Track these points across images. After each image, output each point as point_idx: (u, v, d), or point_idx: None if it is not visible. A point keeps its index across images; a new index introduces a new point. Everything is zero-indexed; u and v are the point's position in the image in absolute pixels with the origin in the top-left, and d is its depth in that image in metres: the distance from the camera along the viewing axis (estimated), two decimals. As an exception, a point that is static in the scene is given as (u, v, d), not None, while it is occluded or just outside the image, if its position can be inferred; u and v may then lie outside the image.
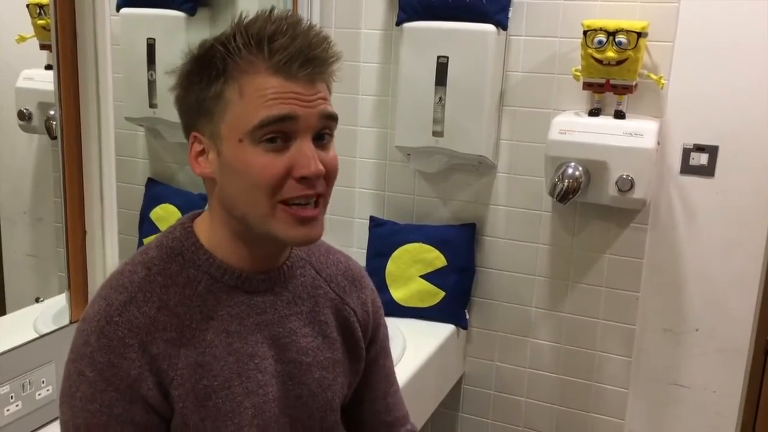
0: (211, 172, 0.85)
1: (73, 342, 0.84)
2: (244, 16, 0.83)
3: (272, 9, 0.83)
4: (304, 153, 0.81)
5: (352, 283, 1.01)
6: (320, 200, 0.84)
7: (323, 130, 0.84)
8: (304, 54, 0.81)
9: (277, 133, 0.81)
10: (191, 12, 2.00)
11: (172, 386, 0.83)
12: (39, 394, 1.31)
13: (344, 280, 1.00)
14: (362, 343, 0.99)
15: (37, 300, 1.45)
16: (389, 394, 1.05)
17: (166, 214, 2.12)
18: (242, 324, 0.88)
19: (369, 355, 1.02)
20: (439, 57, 1.93)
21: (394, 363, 1.76)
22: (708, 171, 1.82)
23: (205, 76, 0.83)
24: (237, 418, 0.85)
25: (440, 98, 1.95)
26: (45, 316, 1.45)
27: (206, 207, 0.92)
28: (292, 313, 0.92)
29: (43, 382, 1.32)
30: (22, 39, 1.62)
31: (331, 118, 0.84)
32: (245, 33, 0.81)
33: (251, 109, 0.81)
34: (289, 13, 0.84)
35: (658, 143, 1.80)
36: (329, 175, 0.85)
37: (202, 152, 0.86)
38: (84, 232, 1.38)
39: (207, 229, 0.89)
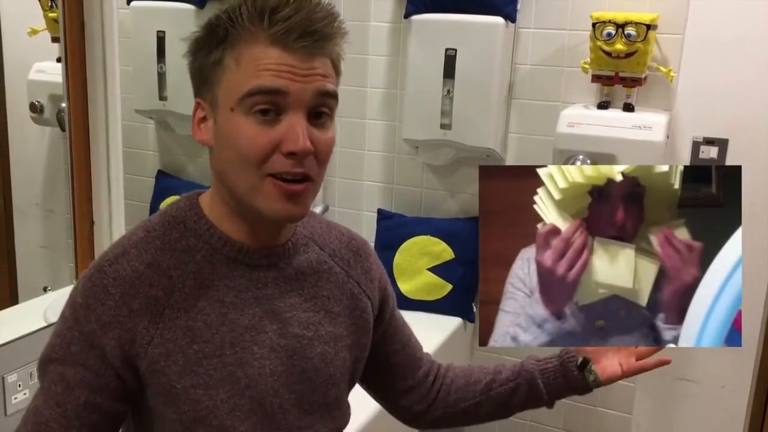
0: (209, 140, 0.86)
1: None
2: None
3: None
4: (293, 128, 0.80)
5: (356, 254, 1.00)
6: (308, 181, 0.83)
7: (320, 108, 0.82)
8: (303, 26, 0.80)
9: (267, 104, 0.80)
10: (201, 4, 2.00)
11: (152, 345, 0.83)
12: (46, 383, 1.32)
13: (348, 253, 0.99)
14: (369, 315, 0.99)
15: (45, 289, 1.47)
16: (411, 335, 1.09)
17: (175, 206, 2.13)
18: (239, 296, 0.88)
19: (385, 315, 1.03)
20: (447, 49, 1.93)
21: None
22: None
23: (207, 43, 0.84)
24: (228, 387, 0.85)
25: (448, 91, 1.94)
26: (55, 305, 1.46)
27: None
28: (293, 288, 0.92)
29: (51, 370, 1.33)
30: (34, 32, 1.63)
31: (329, 96, 0.83)
32: (251, 4, 0.81)
33: (245, 77, 0.81)
34: None
35: (668, 136, 1.79)
36: (320, 156, 0.83)
37: (204, 119, 0.87)
38: (92, 222, 1.39)
39: (210, 202, 0.90)
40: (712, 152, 1.80)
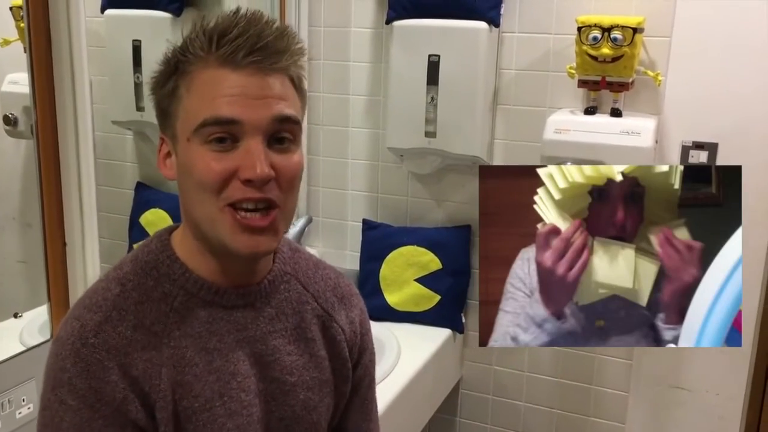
0: (173, 175, 0.83)
1: (48, 367, 0.80)
2: (207, 19, 0.80)
3: (237, 9, 0.79)
4: (250, 154, 0.76)
5: (341, 300, 0.96)
6: (275, 209, 0.79)
7: (280, 133, 0.79)
8: (251, 42, 0.76)
9: (223, 133, 0.77)
10: (177, 13, 1.96)
11: (156, 409, 0.79)
12: (19, 413, 1.27)
13: (333, 297, 0.95)
14: (349, 363, 0.95)
15: (15, 315, 1.41)
16: (362, 429, 0.99)
17: (156, 219, 2.08)
18: (222, 341, 0.83)
19: (356, 372, 0.97)
20: (430, 56, 1.89)
21: (390, 370, 1.75)
22: (708, 169, 1.77)
23: (162, 75, 0.81)
24: None
25: (432, 98, 1.91)
26: (31, 327, 1.41)
27: None
28: (276, 329, 0.87)
29: (23, 400, 1.27)
30: (6, 42, 1.58)
31: (289, 121, 0.79)
32: (201, 31, 0.78)
33: (197, 105, 0.77)
34: (257, 12, 0.80)
35: (656, 141, 1.76)
36: (283, 181, 0.79)
37: (168, 155, 0.83)
38: (64, 244, 1.34)
39: (181, 240, 0.86)
40: (701, 156, 1.77)
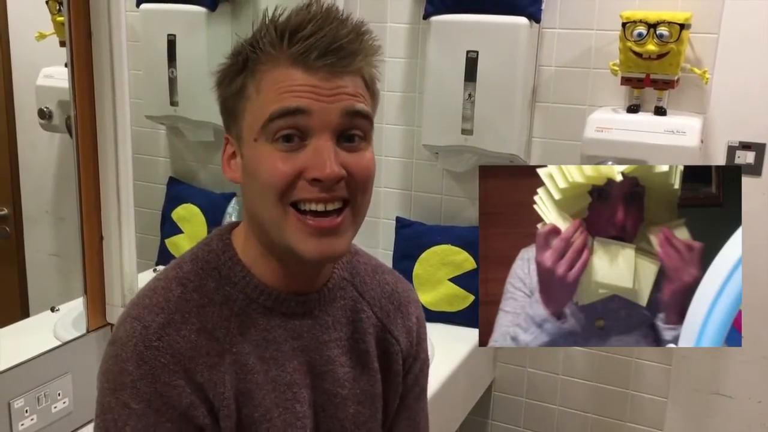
0: (238, 177, 0.79)
1: (107, 369, 0.76)
2: (279, 11, 0.76)
3: (311, 3, 0.75)
4: (319, 152, 0.73)
5: (398, 308, 0.92)
6: (345, 208, 0.76)
7: (350, 130, 0.75)
8: (326, 43, 0.73)
9: (291, 129, 0.73)
10: (212, 7, 1.95)
11: (220, 417, 0.76)
12: (55, 407, 1.27)
13: (389, 305, 0.91)
14: (400, 377, 0.91)
15: (52, 309, 1.41)
16: None
17: (187, 214, 2.07)
18: (279, 350, 0.80)
19: (407, 379, 0.93)
20: (468, 51, 1.86)
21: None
22: (755, 170, 1.72)
23: (228, 73, 0.78)
24: None
25: (469, 94, 1.88)
26: (65, 320, 1.41)
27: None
28: (331, 339, 0.84)
29: (59, 394, 1.27)
30: (42, 36, 1.58)
31: (360, 116, 0.75)
32: (272, 26, 0.75)
33: (266, 103, 0.74)
34: (332, 8, 0.76)
35: (702, 141, 1.71)
36: (356, 181, 0.75)
37: (234, 155, 0.80)
38: (101, 237, 1.33)
39: (243, 242, 0.82)
40: (748, 157, 1.72)
